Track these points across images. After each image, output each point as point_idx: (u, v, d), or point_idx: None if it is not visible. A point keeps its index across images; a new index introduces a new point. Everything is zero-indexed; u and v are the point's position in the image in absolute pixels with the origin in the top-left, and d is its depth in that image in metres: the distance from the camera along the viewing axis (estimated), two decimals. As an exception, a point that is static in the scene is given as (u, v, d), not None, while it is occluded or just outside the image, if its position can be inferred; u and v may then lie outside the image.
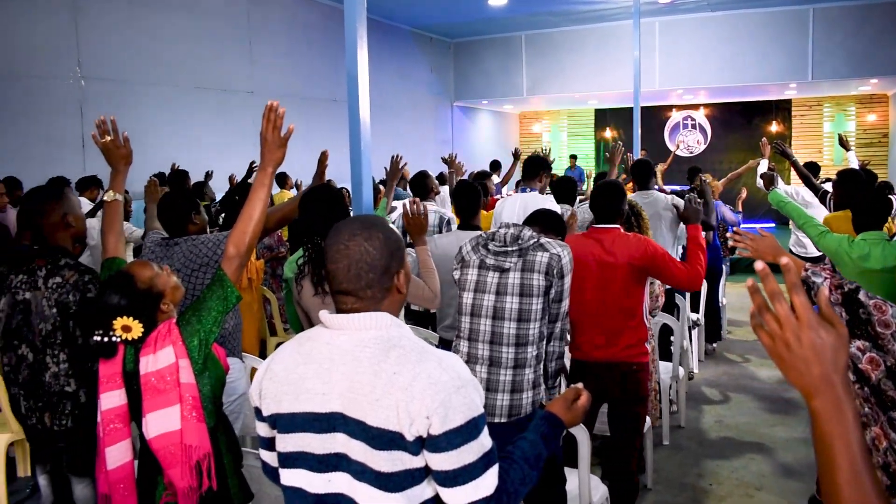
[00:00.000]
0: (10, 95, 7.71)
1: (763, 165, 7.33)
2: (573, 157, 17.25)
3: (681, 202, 5.68)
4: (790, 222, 7.64)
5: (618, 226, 3.68)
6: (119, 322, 2.25)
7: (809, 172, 7.58)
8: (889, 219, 4.33)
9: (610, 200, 3.68)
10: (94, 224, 5.74)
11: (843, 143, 7.50)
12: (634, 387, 3.62)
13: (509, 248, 2.99)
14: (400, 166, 5.49)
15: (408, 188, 6.86)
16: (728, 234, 2.90)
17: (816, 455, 1.11)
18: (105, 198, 3.00)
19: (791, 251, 7.70)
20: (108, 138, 2.94)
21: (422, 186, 5.74)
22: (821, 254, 6.20)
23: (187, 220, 3.53)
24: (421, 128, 15.35)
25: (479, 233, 3.19)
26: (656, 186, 10.87)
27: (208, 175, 8.76)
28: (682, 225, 5.84)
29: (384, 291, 1.69)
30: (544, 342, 3.02)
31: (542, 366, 3.02)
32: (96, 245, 5.44)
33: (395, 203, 6.12)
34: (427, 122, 15.66)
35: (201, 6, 9.79)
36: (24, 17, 7.86)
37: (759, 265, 1.15)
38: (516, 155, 8.03)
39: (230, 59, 10.28)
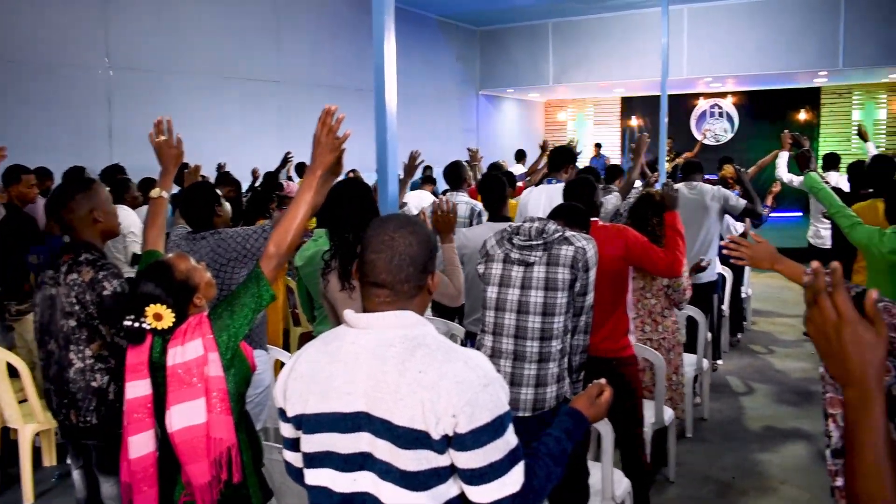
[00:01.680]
0: (39, 86, 7.79)
1: (783, 157, 7.22)
2: (598, 145, 17.13)
3: (728, 193, 5.67)
4: (812, 212, 7.58)
5: (595, 218, 3.69)
6: (151, 309, 2.25)
7: (829, 164, 7.48)
8: None
9: (582, 196, 3.70)
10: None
11: (862, 135, 7.40)
12: (620, 382, 3.59)
13: (534, 242, 2.96)
14: (417, 162, 5.47)
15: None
16: (722, 243, 2.82)
17: (845, 441, 1.22)
18: (152, 194, 3.05)
19: (809, 243, 7.60)
20: (163, 138, 3.04)
21: (456, 177, 5.72)
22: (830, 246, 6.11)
23: (211, 212, 3.53)
24: (446, 117, 15.30)
25: (509, 224, 3.16)
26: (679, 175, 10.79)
27: (220, 167, 8.78)
28: (727, 217, 5.81)
29: (418, 289, 1.70)
30: (569, 336, 3.00)
31: (566, 359, 3.00)
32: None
33: (406, 199, 6.10)
34: (452, 111, 15.61)
35: (228, -4, 9.82)
36: (53, 7, 7.93)
37: (814, 264, 1.28)
38: (544, 147, 7.98)
39: (257, 49, 10.30)
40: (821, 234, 7.37)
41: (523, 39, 15.91)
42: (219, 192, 3.75)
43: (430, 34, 14.72)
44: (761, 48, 13.67)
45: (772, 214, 7.89)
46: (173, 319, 2.27)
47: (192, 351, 2.21)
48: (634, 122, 18.77)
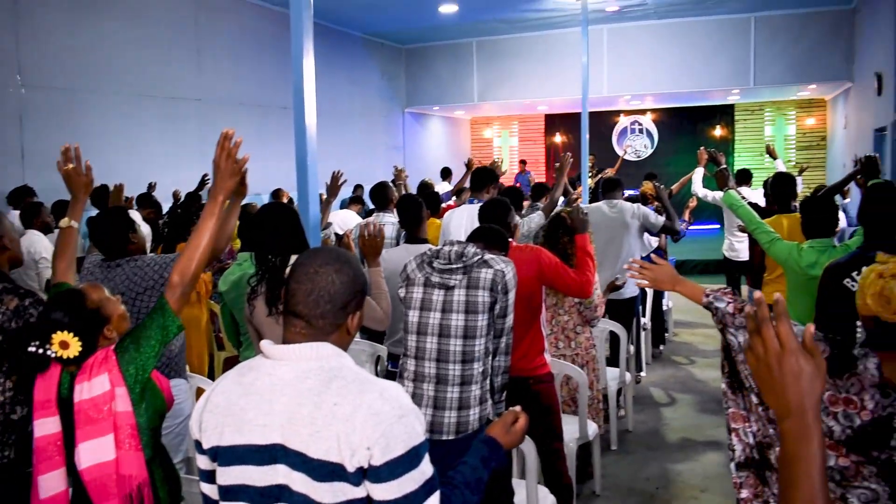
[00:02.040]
0: (-53, 105, 7.47)
1: (698, 174, 7.48)
2: (522, 162, 17.37)
3: (648, 211, 5.82)
4: (725, 226, 7.85)
5: (510, 239, 3.73)
6: (58, 337, 2.18)
7: (741, 179, 7.79)
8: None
9: (498, 216, 3.75)
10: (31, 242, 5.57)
11: (771, 153, 7.71)
12: (537, 400, 3.67)
13: (454, 266, 2.98)
14: (340, 182, 5.45)
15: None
16: (625, 266, 2.89)
17: (780, 472, 1.21)
18: (61, 224, 2.95)
19: (724, 255, 7.87)
20: (71, 166, 2.94)
21: (383, 197, 5.69)
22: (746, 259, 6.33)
23: (124, 240, 3.43)
24: (372, 134, 15.28)
25: (426, 246, 3.17)
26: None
27: (151, 187, 8.58)
28: (645, 235, 5.95)
29: (335, 326, 1.70)
30: (490, 358, 3.02)
31: (488, 381, 3.02)
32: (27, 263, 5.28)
33: (331, 219, 6.07)
34: (378, 129, 15.60)
35: (147, 12, 9.57)
36: (-39, 24, 7.63)
37: (757, 294, 1.28)
38: (469, 165, 8.06)
39: (177, 67, 10.07)
40: (735, 247, 7.64)
41: (448, 57, 16.05)
42: (138, 214, 3.66)
43: (356, 52, 14.71)
44: (677, 67, 14.15)
45: (690, 227, 8.15)
46: (80, 349, 2.20)
47: (98, 386, 2.14)
48: (558, 138, 19.11)
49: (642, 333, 6.81)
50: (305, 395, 1.57)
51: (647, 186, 7.48)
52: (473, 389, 2.93)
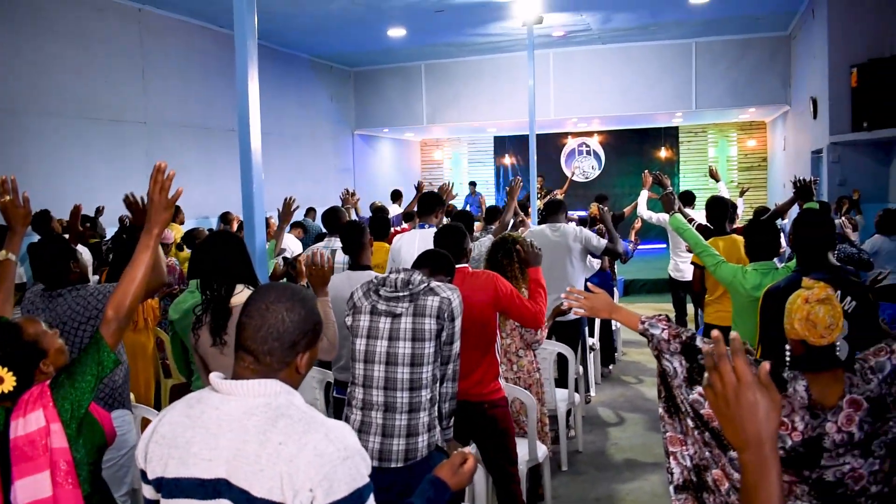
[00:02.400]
0: None
1: (643, 196, 7.64)
2: (472, 183, 17.48)
3: (590, 234, 5.87)
4: (671, 247, 8.03)
5: (465, 265, 3.78)
6: None
7: (685, 201, 8.00)
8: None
9: (454, 242, 3.76)
10: None
11: (713, 175, 7.90)
12: (493, 424, 3.70)
13: (400, 294, 2.97)
14: (292, 208, 5.41)
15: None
16: (563, 295, 2.96)
17: (742, 500, 1.26)
18: None
19: (670, 275, 8.03)
20: (8, 198, 2.88)
21: (334, 222, 5.66)
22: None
23: (65, 269, 3.36)
24: (322, 157, 15.25)
25: (369, 273, 3.16)
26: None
27: (98, 211, 8.41)
28: (588, 257, 6.00)
29: (283, 364, 1.69)
30: (437, 384, 3.03)
31: (436, 408, 3.02)
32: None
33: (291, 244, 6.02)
34: (328, 151, 15.57)
35: (90, 33, 9.41)
36: None
37: (714, 332, 1.32)
38: (419, 188, 8.09)
39: (122, 88, 9.92)
40: (680, 267, 7.81)
41: (397, 80, 16.14)
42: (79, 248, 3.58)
43: (304, 74, 14.68)
44: (622, 90, 14.47)
45: (638, 248, 8.30)
46: (14, 383, 2.15)
47: (33, 422, 2.09)
48: (508, 160, 19.30)
49: (590, 354, 6.88)
50: (251, 432, 1.57)
51: (593, 209, 7.61)
52: (422, 416, 2.93)
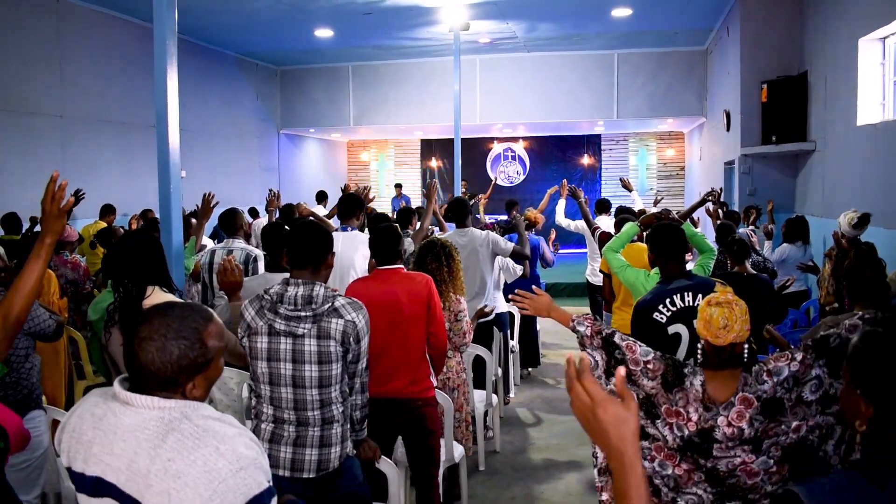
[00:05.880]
0: None
1: (561, 205, 7.89)
2: (398, 185, 17.50)
3: (498, 237, 5.96)
4: (588, 252, 8.26)
5: (400, 266, 3.84)
6: None
7: (601, 208, 8.27)
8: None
9: (389, 242, 3.82)
10: None
11: (626, 186, 8.18)
12: (422, 422, 3.76)
13: (302, 314, 2.84)
14: (212, 205, 5.35)
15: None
16: (511, 296, 3.14)
17: (615, 500, 1.37)
18: None
19: (587, 280, 8.26)
20: None
21: (230, 223, 5.58)
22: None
23: None
24: (246, 155, 15.06)
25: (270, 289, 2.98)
26: (478, 216, 11.24)
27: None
28: (499, 258, 6.10)
29: (172, 384, 1.68)
30: (349, 397, 3.04)
31: (348, 419, 3.02)
32: None
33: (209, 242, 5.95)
34: (253, 150, 15.39)
35: (5, 21, 9.05)
36: None
37: (568, 354, 1.45)
38: (345, 190, 8.06)
39: (37, 80, 9.59)
40: (596, 272, 7.98)
41: (324, 80, 16.06)
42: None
43: (229, 71, 14.47)
44: (546, 98, 14.77)
45: (561, 251, 8.51)
46: None
47: None
48: (434, 163, 19.41)
49: (510, 356, 7.01)
50: (143, 446, 1.58)
51: (531, 213, 7.74)
52: (335, 428, 2.92)
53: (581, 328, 2.76)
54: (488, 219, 10.14)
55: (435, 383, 3.92)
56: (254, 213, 11.38)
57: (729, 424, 2.37)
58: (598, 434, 1.37)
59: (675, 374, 2.51)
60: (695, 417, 2.43)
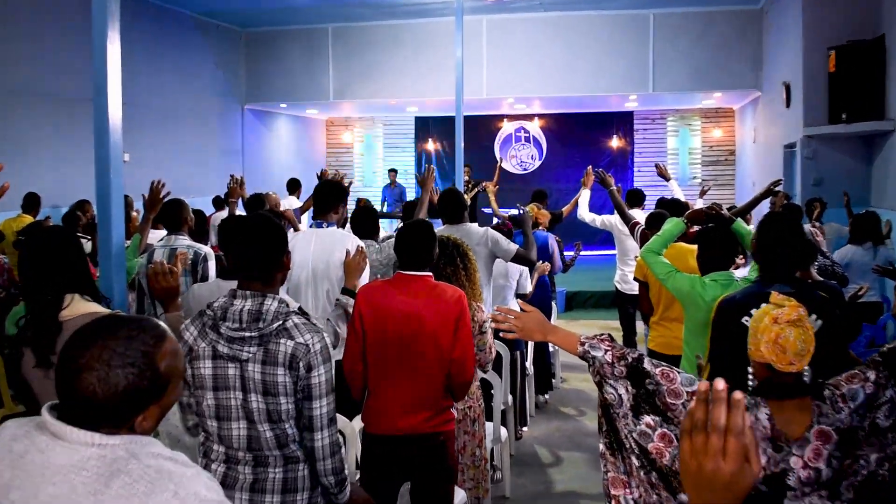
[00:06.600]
0: None
1: (585, 197, 7.82)
2: (393, 171, 17.39)
3: (499, 236, 5.87)
4: (617, 254, 8.21)
5: (429, 273, 3.77)
6: None
7: (633, 200, 8.18)
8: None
9: (419, 242, 3.74)
10: None
11: (662, 174, 8.09)
12: (441, 461, 3.71)
13: (247, 334, 2.75)
14: (161, 195, 5.31)
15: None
16: (489, 314, 2.98)
17: None
18: None
19: (616, 287, 8.20)
20: None
21: (174, 217, 5.54)
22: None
23: None
24: (204, 135, 15.03)
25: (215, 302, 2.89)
26: (486, 211, 11.19)
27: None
28: (499, 262, 6.04)
29: (114, 427, 1.64)
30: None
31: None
32: None
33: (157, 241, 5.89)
34: (212, 129, 15.36)
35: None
36: None
37: (702, 385, 1.33)
38: (322, 178, 7.99)
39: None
40: (628, 278, 7.84)
41: (298, 46, 16.01)
42: None
43: (185, 35, 14.44)
44: (567, 67, 14.70)
45: (583, 253, 8.47)
46: None
47: None
48: (431, 145, 19.37)
49: (525, 380, 6.96)
50: (79, 492, 1.53)
51: (533, 208, 7.70)
52: (301, 470, 2.84)
53: (597, 353, 2.63)
54: (502, 212, 10.07)
55: (456, 414, 3.86)
56: (219, 203, 11.31)
57: (805, 466, 2.31)
58: (704, 489, 1.31)
59: None
60: (763, 461, 2.36)
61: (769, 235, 3.61)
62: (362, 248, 4.64)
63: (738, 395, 1.31)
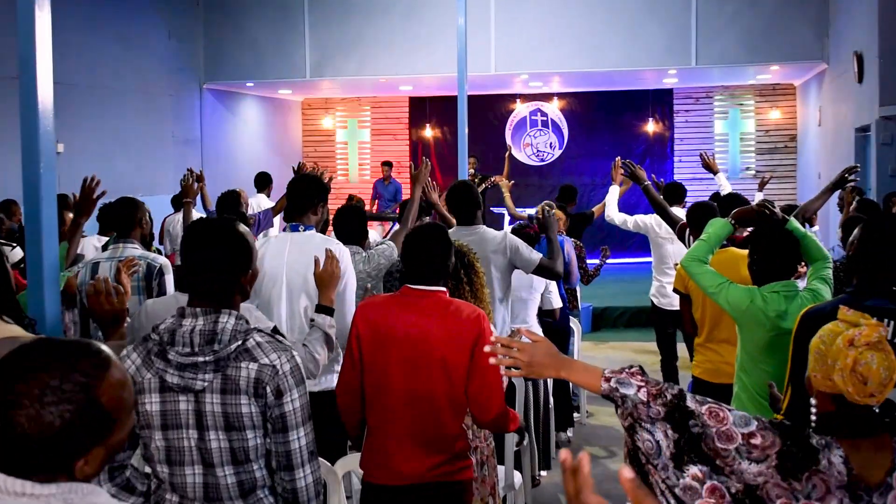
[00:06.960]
0: None
1: (614, 194, 7.82)
2: (387, 164, 17.37)
3: (519, 243, 5.85)
4: (654, 263, 8.20)
5: (443, 289, 3.76)
6: None
7: (672, 196, 8.16)
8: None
9: (431, 250, 3.73)
10: None
11: (708, 165, 8.08)
12: None
13: (200, 359, 2.72)
14: (95, 195, 5.32)
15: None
16: (485, 350, 2.79)
17: None
18: None
19: (652, 302, 8.20)
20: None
21: (123, 219, 5.52)
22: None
23: None
24: (155, 120, 15.02)
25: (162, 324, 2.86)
26: (497, 210, 11.18)
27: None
28: (520, 272, 6.04)
29: (51, 473, 1.65)
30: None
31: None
32: None
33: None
34: (164, 113, 15.34)
35: None
36: None
37: (563, 453, 1.41)
38: (298, 172, 8.01)
39: None
40: (666, 290, 7.80)
41: (268, 12, 15.98)
42: None
43: (130, 0, 14.45)
44: (594, 38, 14.66)
45: (611, 261, 8.47)
46: None
47: None
48: (429, 132, 19.36)
49: (547, 413, 6.94)
50: None
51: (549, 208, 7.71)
52: None
53: (629, 391, 2.48)
54: (520, 212, 10.09)
55: (474, 460, 3.86)
56: (178, 203, 11.30)
57: None
58: None
59: (801, 451, 2.37)
60: None
61: (879, 240, 3.61)
62: (331, 251, 4.47)
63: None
